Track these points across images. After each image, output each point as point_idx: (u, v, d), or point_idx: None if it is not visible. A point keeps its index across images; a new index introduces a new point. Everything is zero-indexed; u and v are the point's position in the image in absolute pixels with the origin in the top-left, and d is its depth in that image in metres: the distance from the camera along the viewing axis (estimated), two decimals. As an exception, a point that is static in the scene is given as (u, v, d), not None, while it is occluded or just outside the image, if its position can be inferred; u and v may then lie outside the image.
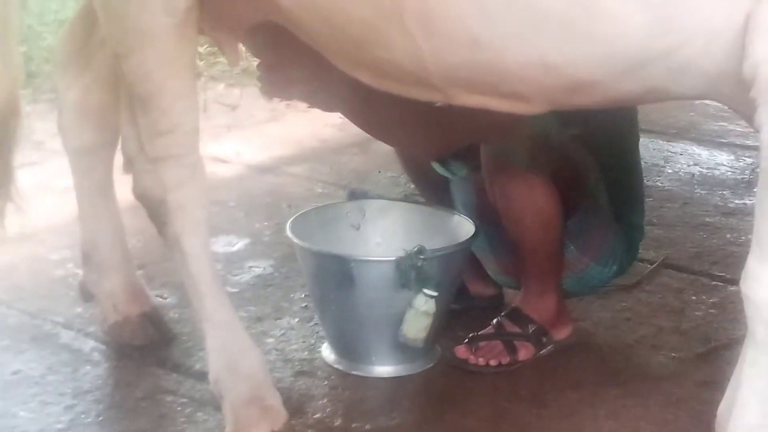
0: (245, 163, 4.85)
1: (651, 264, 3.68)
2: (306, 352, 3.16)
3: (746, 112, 2.17)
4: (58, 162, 3.48)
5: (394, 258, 2.90)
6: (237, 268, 3.70)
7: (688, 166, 4.82)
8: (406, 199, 3.56)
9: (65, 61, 3.07)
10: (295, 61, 2.87)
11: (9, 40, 2.84)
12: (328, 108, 3.13)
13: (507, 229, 3.06)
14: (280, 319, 3.37)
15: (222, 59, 6.10)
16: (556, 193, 2.98)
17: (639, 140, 3.27)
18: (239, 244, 3.94)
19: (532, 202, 2.97)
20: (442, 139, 2.91)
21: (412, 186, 3.90)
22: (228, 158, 4.86)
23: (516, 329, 3.10)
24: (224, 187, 4.41)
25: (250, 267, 3.75)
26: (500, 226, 3.10)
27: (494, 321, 3.14)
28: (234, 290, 3.46)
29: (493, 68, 2.23)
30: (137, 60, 2.57)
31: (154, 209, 2.71)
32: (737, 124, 5.27)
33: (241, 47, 2.90)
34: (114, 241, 3.17)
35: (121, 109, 2.95)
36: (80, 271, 3.30)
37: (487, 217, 3.14)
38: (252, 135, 5.27)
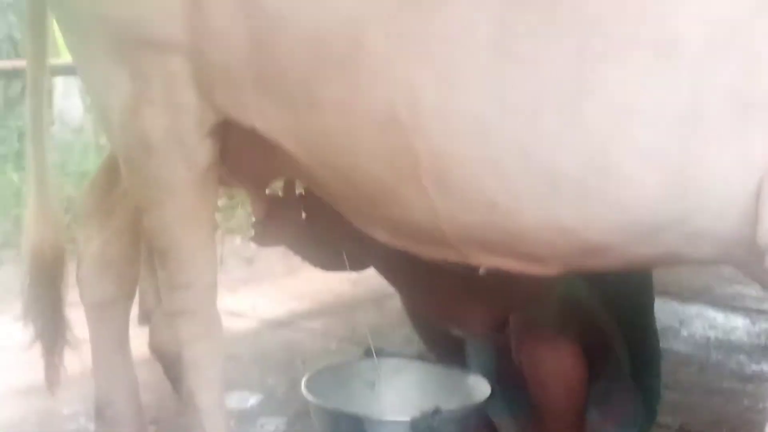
0: (261, 317, 4.85)
1: (668, 429, 3.62)
2: None
3: (761, 277, 2.17)
4: (71, 313, 3.48)
5: (409, 419, 2.85)
6: (250, 425, 3.65)
7: (704, 329, 4.80)
8: (421, 357, 3.54)
9: (87, 213, 3.10)
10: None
11: (48, 192, 2.93)
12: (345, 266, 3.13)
13: (531, 393, 3.02)
14: (293, 479, 3.32)
15: (239, 212, 6.20)
16: (583, 359, 2.95)
17: (654, 302, 3.26)
18: (252, 400, 3.90)
19: (559, 367, 2.93)
20: (483, 310, 2.89)
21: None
22: (243, 312, 4.85)
23: (537, 494, 3.05)
24: (239, 342, 4.38)
25: (263, 425, 3.70)
26: (520, 388, 3.06)
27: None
28: None
29: (509, 229, 2.24)
30: (157, 213, 2.60)
31: (170, 364, 2.72)
32: (753, 288, 5.24)
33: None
34: (128, 395, 3.13)
35: (141, 263, 3.00)
36: (92, 426, 3.27)
37: (506, 378, 3.12)
38: (268, 288, 5.30)
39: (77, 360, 3.18)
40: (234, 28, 2.31)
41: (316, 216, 2.92)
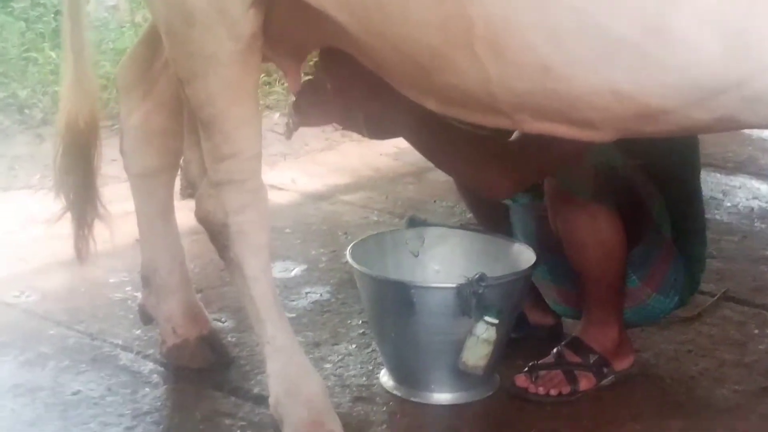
0: (301, 190, 4.87)
1: (712, 296, 3.63)
2: (364, 378, 3.15)
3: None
4: (115, 187, 3.50)
5: (455, 285, 2.88)
6: (294, 294, 3.70)
7: (747, 200, 4.77)
8: (464, 227, 3.54)
9: (128, 86, 3.10)
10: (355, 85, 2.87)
11: (85, 68, 2.92)
12: (386, 135, 3.11)
13: (569, 259, 3.03)
14: (337, 344, 3.36)
15: (277, 89, 6.16)
16: (620, 223, 2.95)
17: (700, 171, 3.23)
18: (296, 270, 3.94)
19: (595, 232, 2.93)
20: (510, 175, 2.87)
21: (469, 215, 3.89)
22: (284, 186, 4.87)
23: (577, 359, 3.07)
24: (280, 214, 4.40)
25: (307, 293, 3.75)
26: (561, 255, 3.06)
27: (554, 350, 3.11)
28: (291, 315, 3.44)
29: (563, 95, 2.21)
30: (201, 85, 2.58)
31: (216, 233, 2.72)
32: (797, 158, 5.25)
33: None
34: (174, 264, 3.18)
35: (184, 134, 2.99)
36: (139, 294, 3.32)
37: (548, 245, 3.11)
38: (307, 163, 5.29)
39: (122, 231, 3.23)
40: None
41: (349, 89, 2.88)
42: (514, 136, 2.86)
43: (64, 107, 2.99)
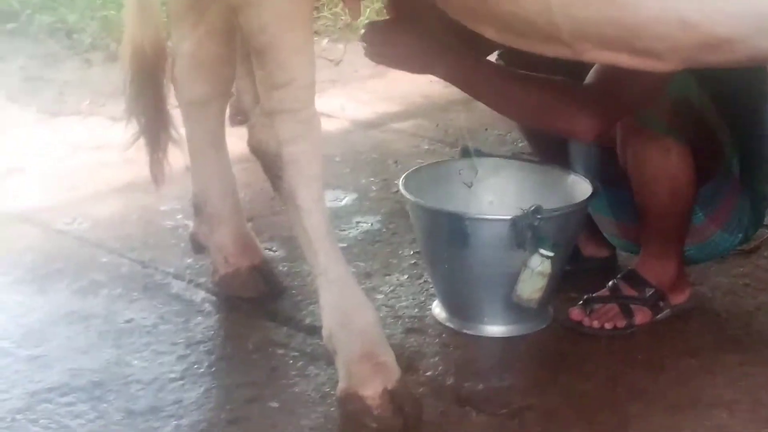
0: (350, 118, 4.84)
1: (769, 230, 3.59)
2: (416, 309, 3.14)
3: None
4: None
5: (510, 217, 2.85)
6: (344, 224, 3.69)
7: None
8: (518, 157, 3.50)
9: (179, 13, 3.07)
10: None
11: None
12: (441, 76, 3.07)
13: (636, 193, 2.99)
14: (389, 275, 3.35)
15: (325, 14, 6.11)
16: (691, 160, 2.90)
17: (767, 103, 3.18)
18: (346, 199, 3.93)
19: (666, 168, 2.89)
20: (592, 118, 2.83)
21: (522, 144, 3.86)
22: (333, 113, 4.83)
23: (633, 292, 3.04)
24: (329, 142, 4.32)
25: (358, 222, 3.74)
26: (623, 187, 3.03)
27: (610, 283, 3.08)
28: (342, 245, 3.37)
29: (627, 24, 2.15)
30: (254, 12, 2.54)
31: (269, 162, 2.70)
32: None
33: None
34: (225, 193, 3.18)
35: (235, 62, 2.97)
36: (190, 222, 3.33)
37: (608, 177, 3.08)
38: (356, 90, 5.25)
39: (173, 158, 3.22)
40: None
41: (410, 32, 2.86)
42: (589, 77, 2.82)
43: (129, 32, 2.99)
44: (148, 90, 3.02)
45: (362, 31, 3.02)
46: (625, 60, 2.29)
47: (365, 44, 2.98)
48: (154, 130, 3.07)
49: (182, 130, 3.14)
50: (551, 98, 2.85)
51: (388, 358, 2.66)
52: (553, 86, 2.85)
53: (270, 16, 2.53)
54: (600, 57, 2.32)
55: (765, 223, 3.37)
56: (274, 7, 2.52)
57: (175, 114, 3.13)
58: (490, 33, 2.43)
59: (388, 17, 3.07)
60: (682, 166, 2.91)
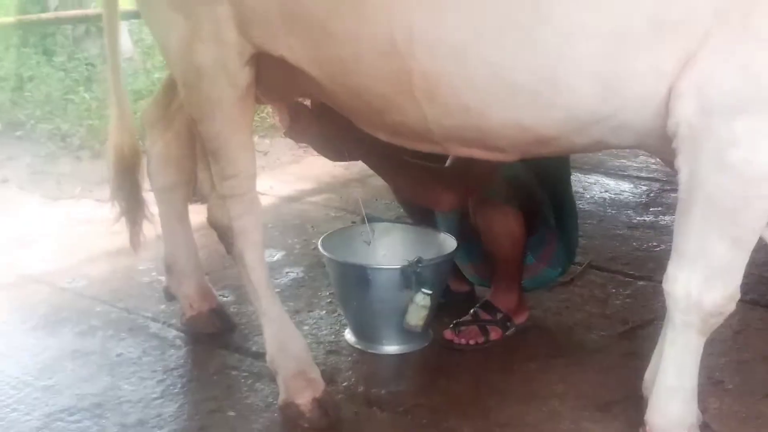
0: (277, 195, 4.78)
1: (580, 265, 3.63)
2: (333, 336, 3.09)
3: (667, 158, 2.14)
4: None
5: (399, 266, 2.85)
6: (277, 274, 3.62)
7: (601, 192, 4.78)
8: (402, 221, 3.50)
9: (152, 123, 3.01)
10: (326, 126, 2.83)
11: (125, 109, 2.86)
12: (346, 158, 3.05)
13: (485, 245, 3.01)
14: (312, 311, 3.30)
15: (257, 116, 6.04)
16: (522, 219, 2.94)
17: (570, 175, 3.24)
18: (277, 255, 3.86)
19: (506, 226, 2.93)
20: (451, 194, 2.85)
21: (401, 210, 3.85)
22: (264, 191, 4.74)
23: (488, 317, 3.05)
24: (263, 214, 4.25)
25: (287, 272, 3.68)
26: (475, 241, 3.05)
27: (471, 311, 3.08)
28: (276, 290, 3.33)
29: (481, 128, 2.18)
30: (209, 123, 2.50)
31: (223, 233, 2.65)
32: (633, 161, 5.26)
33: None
34: (189, 255, 3.10)
35: (195, 158, 2.91)
36: (163, 278, 3.23)
37: (465, 235, 3.10)
38: (280, 174, 5.20)
39: (148, 231, 3.14)
40: None
41: (326, 124, 2.83)
42: (448, 162, 2.84)
43: (112, 137, 2.92)
44: (127, 182, 2.94)
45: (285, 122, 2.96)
46: (480, 153, 2.32)
47: (288, 127, 2.91)
48: (132, 211, 2.98)
49: (154, 210, 3.05)
50: (421, 179, 2.87)
51: (315, 374, 2.63)
52: (423, 170, 2.86)
53: (221, 125, 2.50)
54: (462, 152, 2.34)
55: (575, 261, 3.43)
56: (224, 118, 2.49)
57: (149, 197, 3.04)
58: (382, 136, 2.43)
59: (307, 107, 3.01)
60: (517, 224, 2.94)
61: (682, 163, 2.04)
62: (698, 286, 2.13)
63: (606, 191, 4.79)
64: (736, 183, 1.97)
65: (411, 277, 2.83)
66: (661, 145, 2.10)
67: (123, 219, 3.00)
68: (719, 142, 1.95)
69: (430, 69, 2.09)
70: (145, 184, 3.04)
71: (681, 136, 2.01)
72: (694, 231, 2.08)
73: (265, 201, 4.56)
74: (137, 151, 2.94)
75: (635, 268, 3.67)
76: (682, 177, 2.06)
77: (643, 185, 4.87)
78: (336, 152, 2.98)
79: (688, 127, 1.98)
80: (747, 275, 2.15)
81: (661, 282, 2.22)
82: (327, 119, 2.76)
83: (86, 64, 6.69)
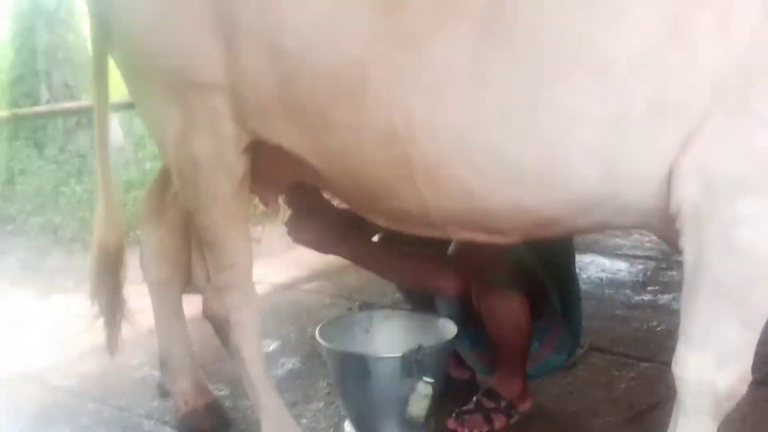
0: (271, 282, 4.71)
1: (582, 348, 3.55)
2: (332, 430, 2.99)
3: (670, 238, 2.10)
4: (132, 287, 3.31)
5: (400, 355, 2.78)
6: (272, 365, 3.52)
7: (597, 272, 4.72)
8: (400, 307, 3.44)
9: (147, 214, 2.97)
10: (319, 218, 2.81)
11: (113, 204, 2.81)
12: (343, 256, 3.03)
13: (488, 331, 2.94)
14: (309, 403, 3.20)
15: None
16: (527, 304, 2.89)
17: (575, 258, 3.20)
18: (272, 345, 3.78)
19: (510, 312, 2.87)
20: (455, 280, 2.82)
21: (397, 294, 3.80)
22: (257, 280, 4.58)
23: (492, 404, 2.97)
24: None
25: (283, 363, 3.59)
26: (478, 327, 2.98)
27: (474, 398, 3.00)
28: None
29: (483, 211, 2.16)
30: (205, 215, 2.48)
31: (219, 326, 2.60)
32: (627, 240, 5.24)
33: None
34: (184, 350, 3.03)
35: (189, 251, 2.87)
36: (156, 373, 3.15)
37: (467, 320, 3.02)
38: (274, 261, 5.13)
39: (141, 324, 3.07)
40: (263, 71, 2.18)
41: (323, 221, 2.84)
42: (450, 250, 2.81)
43: (97, 235, 2.86)
44: (109, 280, 2.87)
45: (285, 221, 2.95)
46: (481, 237, 2.28)
47: (288, 231, 2.90)
48: (112, 309, 2.90)
49: (144, 303, 2.97)
50: (423, 267, 2.84)
51: (318, 471, 2.53)
52: (423, 258, 2.84)
53: (217, 216, 2.47)
54: (462, 235, 2.31)
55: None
56: (220, 209, 2.46)
57: (141, 290, 2.96)
58: (380, 221, 2.41)
59: (291, 212, 3.00)
60: (521, 309, 2.88)
61: (686, 244, 2.01)
62: (710, 370, 2.07)
63: (602, 271, 4.74)
64: (743, 264, 1.93)
65: (412, 365, 2.75)
66: (665, 226, 2.07)
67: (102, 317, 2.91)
68: (724, 222, 1.92)
69: (430, 154, 2.08)
70: (130, 280, 2.96)
71: (684, 217, 1.98)
72: (702, 314, 2.03)
73: (259, 289, 4.41)
74: (122, 247, 2.87)
75: (637, 350, 3.59)
76: (687, 258, 2.02)
77: (640, 264, 4.83)
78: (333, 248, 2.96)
79: (691, 207, 1.96)
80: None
81: (664, 363, 2.18)
82: (317, 220, 2.75)
83: (78, 156, 6.70)
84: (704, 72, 1.89)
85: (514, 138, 2.00)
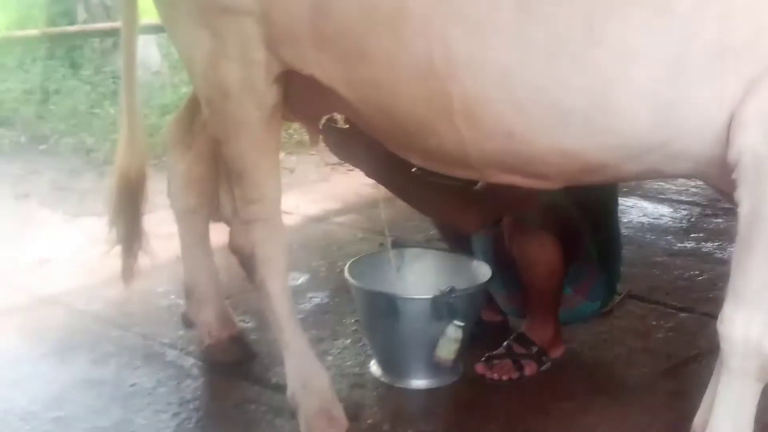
0: (303, 214, 4.63)
1: (619, 295, 3.42)
2: (358, 368, 2.93)
3: (727, 189, 1.96)
4: (161, 213, 3.23)
5: (430, 296, 2.69)
6: (300, 299, 3.46)
7: (639, 216, 4.57)
8: (434, 246, 3.34)
9: (174, 142, 2.88)
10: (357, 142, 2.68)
11: (136, 129, 2.72)
12: (379, 180, 2.91)
13: (520, 274, 2.85)
14: (336, 340, 3.14)
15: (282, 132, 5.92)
16: (560, 248, 2.78)
17: (617, 204, 3.07)
18: (301, 279, 3.71)
19: (543, 255, 2.77)
20: (482, 217, 2.72)
21: (432, 231, 3.70)
22: (290, 210, 4.59)
23: (522, 350, 2.88)
24: (288, 234, 4.13)
25: (311, 297, 3.52)
26: (511, 269, 2.89)
27: (504, 343, 2.91)
28: (299, 316, 3.16)
29: (524, 154, 2.03)
30: (234, 144, 2.38)
31: (246, 260, 2.52)
32: (672, 184, 5.05)
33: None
34: (210, 280, 2.96)
35: (217, 180, 2.79)
36: (181, 302, 3.09)
37: (501, 262, 2.93)
38: (307, 192, 5.04)
39: (167, 251, 3.01)
40: None
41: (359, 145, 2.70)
42: (479, 185, 2.69)
43: (119, 161, 2.77)
44: (128, 208, 2.78)
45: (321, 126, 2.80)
46: (522, 181, 2.17)
47: (329, 142, 2.78)
48: (129, 239, 2.82)
49: (159, 228, 2.93)
50: (447, 199, 2.74)
51: (339, 413, 2.48)
52: (450, 190, 2.73)
53: (246, 147, 2.37)
54: (501, 179, 2.19)
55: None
56: (249, 140, 2.36)
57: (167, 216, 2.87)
58: (415, 159, 2.29)
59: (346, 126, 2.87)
60: (554, 252, 2.79)
61: (743, 195, 1.87)
62: (759, 330, 1.95)
63: (644, 215, 4.58)
64: (805, 218, 1.79)
65: (443, 308, 2.67)
66: (721, 176, 1.93)
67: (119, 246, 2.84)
68: (787, 175, 1.78)
69: (471, 92, 1.95)
70: (156, 199, 2.89)
71: (743, 167, 1.84)
72: (755, 270, 1.90)
73: (290, 221, 4.51)
74: (144, 175, 2.78)
75: (677, 299, 3.47)
76: (743, 210, 1.88)
77: (683, 209, 4.67)
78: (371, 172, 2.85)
79: (752, 157, 1.82)
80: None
81: (704, 314, 2.07)
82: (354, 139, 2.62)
83: (113, 78, 6.61)
84: (774, 12, 1.73)
85: (561, 76, 1.86)
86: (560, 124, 1.92)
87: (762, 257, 1.88)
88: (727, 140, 1.85)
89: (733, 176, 1.87)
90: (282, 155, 5.58)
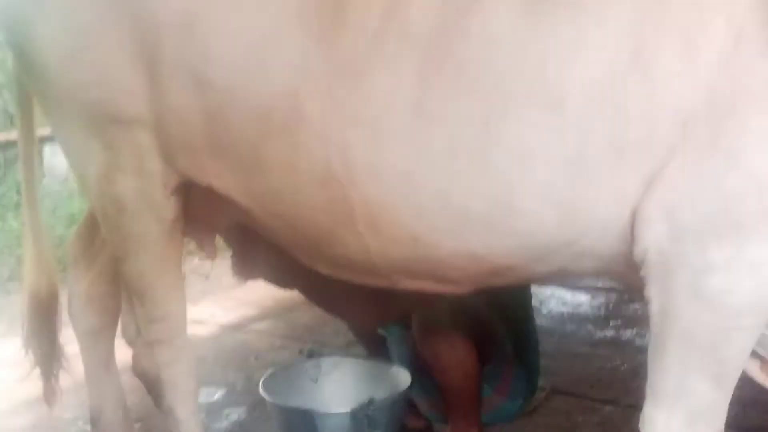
0: (218, 323, 4.49)
1: (543, 390, 3.38)
2: (279, 490, 2.79)
3: (635, 285, 1.94)
4: (66, 331, 3.08)
5: (349, 410, 2.59)
6: (216, 417, 3.32)
7: (558, 306, 4.59)
8: (352, 352, 3.25)
9: (75, 258, 2.75)
10: (258, 253, 2.61)
11: (42, 243, 2.59)
12: (288, 287, 2.86)
13: (436, 378, 2.78)
14: (256, 459, 3.01)
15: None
16: (473, 348, 2.74)
17: (531, 297, 3.04)
18: (217, 394, 3.56)
19: (454, 356, 2.72)
20: (383, 312, 2.65)
21: (351, 336, 3.62)
22: (204, 320, 4.49)
23: (449, 455, 2.80)
24: (202, 345, 4.02)
25: (227, 414, 3.37)
26: (430, 373, 2.81)
27: (430, 451, 2.83)
28: None
29: (430, 259, 1.99)
30: (133, 262, 2.28)
31: (151, 384, 2.39)
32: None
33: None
34: (116, 406, 2.79)
35: (121, 297, 2.67)
36: (88, 427, 2.90)
37: (419, 366, 2.87)
38: (223, 299, 4.91)
39: (76, 372, 2.84)
40: (189, 105, 1.99)
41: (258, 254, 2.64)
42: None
43: (27, 280, 2.63)
44: (42, 329, 2.65)
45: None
46: (431, 286, 2.11)
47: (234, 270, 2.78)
48: (48, 360, 2.67)
49: (67, 347, 2.75)
50: (348, 296, 2.69)
51: None
52: (351, 287, 2.67)
53: (145, 264, 2.27)
54: (410, 285, 2.14)
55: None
56: (149, 256, 2.26)
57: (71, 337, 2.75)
58: (322, 268, 2.22)
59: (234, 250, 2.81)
60: (465, 353, 2.75)
61: (652, 293, 1.85)
62: (680, 429, 1.91)
63: (564, 304, 4.60)
64: (714, 315, 1.77)
65: (362, 420, 2.57)
66: (629, 273, 1.91)
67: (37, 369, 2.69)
68: (693, 270, 1.76)
69: (372, 197, 1.91)
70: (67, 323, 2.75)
71: (650, 265, 1.83)
72: (671, 369, 1.87)
73: (204, 331, 4.37)
74: (55, 293, 2.66)
75: (601, 392, 3.44)
76: (653, 308, 1.86)
77: (601, 296, 4.69)
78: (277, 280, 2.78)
79: (657, 254, 1.80)
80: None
81: (629, 406, 2.01)
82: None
83: (16, 190, 6.41)
84: (669, 106, 1.74)
85: (462, 179, 1.84)
86: (464, 227, 1.89)
87: (676, 357, 1.85)
88: (631, 238, 1.83)
89: (642, 273, 1.86)
90: (195, 261, 5.46)
